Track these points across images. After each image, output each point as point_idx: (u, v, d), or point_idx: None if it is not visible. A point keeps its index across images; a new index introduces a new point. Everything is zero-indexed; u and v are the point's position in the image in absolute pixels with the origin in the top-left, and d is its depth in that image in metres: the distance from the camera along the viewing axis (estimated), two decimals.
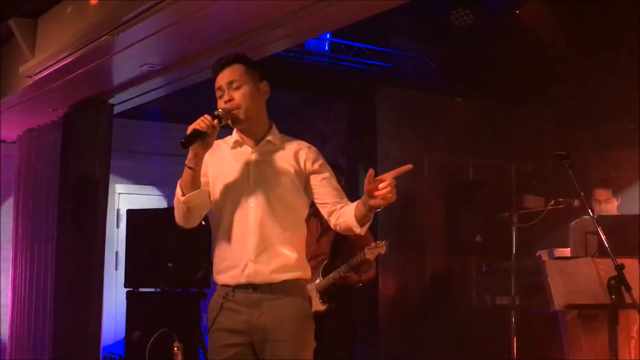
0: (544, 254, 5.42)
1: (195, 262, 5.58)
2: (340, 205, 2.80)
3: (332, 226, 2.83)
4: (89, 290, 5.76)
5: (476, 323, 6.50)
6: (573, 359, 4.59)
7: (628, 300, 3.73)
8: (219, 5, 3.93)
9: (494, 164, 7.34)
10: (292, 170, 2.83)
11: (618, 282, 3.74)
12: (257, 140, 2.87)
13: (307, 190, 2.86)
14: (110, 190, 6.00)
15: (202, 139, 2.67)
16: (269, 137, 2.87)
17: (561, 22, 5.79)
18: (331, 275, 4.46)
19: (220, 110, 2.76)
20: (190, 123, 2.68)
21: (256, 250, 2.76)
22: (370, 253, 4.31)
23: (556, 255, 5.26)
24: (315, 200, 2.87)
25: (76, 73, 5.10)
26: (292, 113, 7.27)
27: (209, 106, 2.83)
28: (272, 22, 4.20)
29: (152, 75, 5.21)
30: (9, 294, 6.81)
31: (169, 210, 3.15)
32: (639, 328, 4.39)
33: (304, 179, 2.85)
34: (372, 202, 2.55)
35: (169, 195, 7.55)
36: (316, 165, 2.87)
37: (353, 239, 4.30)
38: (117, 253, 7.39)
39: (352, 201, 2.77)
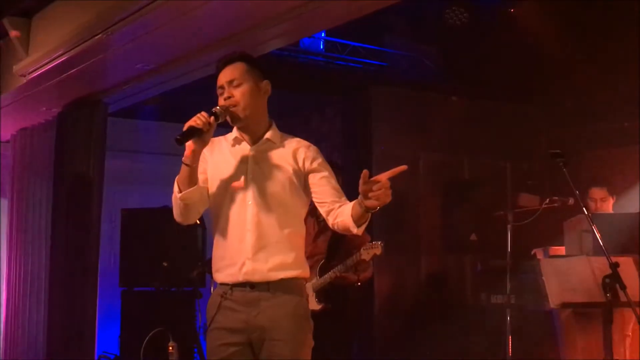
0: (539, 253, 5.42)
1: (190, 261, 5.59)
2: (338, 205, 2.79)
3: (330, 225, 2.82)
4: (84, 289, 5.75)
5: (471, 321, 6.50)
6: (568, 357, 4.60)
7: (623, 298, 3.75)
8: (212, 5, 3.93)
9: (489, 162, 7.35)
10: (290, 168, 2.82)
11: (613, 281, 3.76)
12: (256, 138, 2.87)
13: (306, 188, 2.85)
14: (104, 189, 5.98)
15: (198, 136, 2.66)
16: (268, 135, 2.86)
17: (556, 20, 5.78)
18: (327, 275, 4.46)
19: (217, 107, 2.75)
20: (185, 122, 2.68)
21: (254, 248, 2.75)
22: (365, 253, 4.30)
23: (551, 254, 5.26)
24: (314, 199, 2.86)
25: (70, 72, 5.08)
26: (287, 112, 7.24)
27: (205, 104, 2.83)
28: (267, 21, 4.20)
29: (146, 74, 5.20)
30: (3, 293, 6.78)
31: (164, 209, 3.15)
32: (633, 326, 4.40)
33: (302, 178, 2.84)
34: (367, 202, 2.54)
35: (164, 195, 7.53)
36: (315, 164, 2.86)
37: (350, 239, 4.29)
38: (111, 252, 7.37)
39: (350, 200, 2.75)
